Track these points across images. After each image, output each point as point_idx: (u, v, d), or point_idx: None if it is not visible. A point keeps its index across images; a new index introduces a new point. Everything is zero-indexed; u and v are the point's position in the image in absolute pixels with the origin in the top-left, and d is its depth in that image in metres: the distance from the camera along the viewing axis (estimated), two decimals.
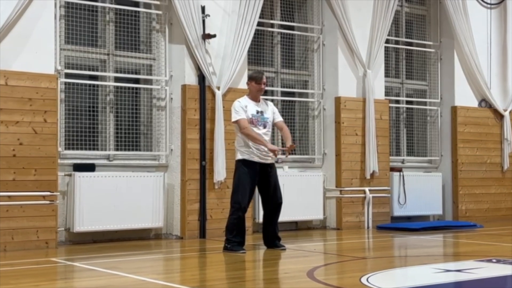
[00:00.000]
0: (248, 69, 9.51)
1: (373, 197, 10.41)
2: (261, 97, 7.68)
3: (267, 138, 7.51)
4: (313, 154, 10.43)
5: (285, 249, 7.56)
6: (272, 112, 7.63)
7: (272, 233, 7.63)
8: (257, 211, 9.34)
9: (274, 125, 7.67)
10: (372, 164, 10.31)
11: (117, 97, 8.82)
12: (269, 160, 7.49)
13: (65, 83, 8.40)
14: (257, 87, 7.52)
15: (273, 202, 7.56)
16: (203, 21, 8.94)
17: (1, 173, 7.55)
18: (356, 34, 10.32)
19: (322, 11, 10.46)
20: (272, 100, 9.91)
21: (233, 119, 7.44)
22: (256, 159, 7.40)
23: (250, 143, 7.37)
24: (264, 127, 7.50)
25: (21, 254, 7.26)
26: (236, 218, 7.34)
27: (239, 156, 7.46)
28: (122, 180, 8.45)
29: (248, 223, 9.24)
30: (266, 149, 7.39)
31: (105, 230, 8.39)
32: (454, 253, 8.10)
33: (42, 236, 7.74)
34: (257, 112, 7.48)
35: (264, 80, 7.56)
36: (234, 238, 7.34)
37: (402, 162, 11.43)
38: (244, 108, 7.41)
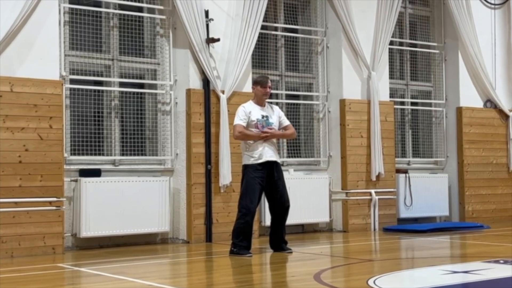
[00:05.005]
0: (253, 73, 9.53)
1: (379, 199, 10.39)
2: (266, 101, 7.68)
3: (273, 141, 7.52)
4: (319, 156, 10.42)
5: (291, 252, 7.56)
6: (277, 117, 7.63)
7: (279, 237, 7.62)
8: (263, 214, 9.33)
9: (283, 129, 7.65)
10: (378, 166, 10.30)
11: (122, 102, 8.84)
12: (274, 157, 7.47)
13: (70, 89, 8.42)
14: (262, 91, 7.53)
15: (280, 206, 7.55)
16: (207, 25, 8.96)
17: (8, 180, 7.56)
18: (360, 36, 10.32)
19: (326, 14, 10.46)
20: (277, 103, 9.92)
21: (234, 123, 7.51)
22: (262, 159, 7.39)
23: (251, 148, 7.37)
24: None
25: (28, 260, 7.27)
26: (243, 222, 7.33)
27: (245, 161, 7.46)
28: (128, 185, 8.46)
29: (255, 227, 9.23)
30: (264, 151, 7.39)
31: (111, 235, 8.40)
32: (461, 255, 8.08)
33: (48, 242, 7.75)
34: (262, 116, 7.49)
35: (269, 84, 7.56)
36: (241, 242, 7.33)
37: (408, 163, 11.41)
38: (247, 114, 7.42)
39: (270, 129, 7.45)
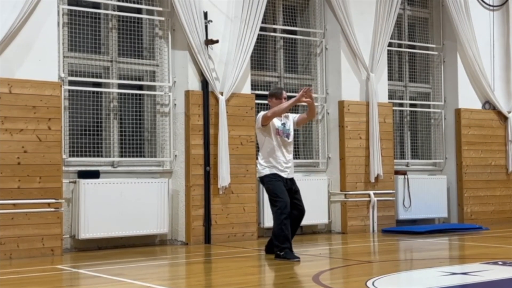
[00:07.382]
0: (251, 74, 9.53)
1: (378, 200, 10.39)
2: None
3: (291, 146, 7.49)
4: (317, 158, 10.43)
5: None
6: (292, 122, 7.59)
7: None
8: (261, 216, 9.34)
9: (298, 121, 7.59)
10: (377, 167, 10.30)
11: (121, 104, 8.84)
12: (290, 175, 7.43)
13: (69, 91, 8.42)
14: (278, 103, 7.47)
15: (298, 209, 7.47)
16: (206, 27, 8.96)
17: (6, 181, 7.56)
18: (358, 38, 10.32)
19: (325, 15, 10.47)
20: None
21: (260, 123, 7.35)
22: (280, 174, 7.36)
23: (271, 159, 7.32)
24: (288, 138, 7.48)
25: (26, 262, 7.27)
26: (281, 223, 7.16)
27: (264, 172, 7.34)
28: (127, 187, 8.46)
29: (253, 229, 9.24)
30: (284, 163, 7.35)
31: (110, 237, 8.39)
32: (459, 256, 8.08)
33: (47, 243, 7.75)
34: (282, 124, 7.47)
35: (285, 95, 7.53)
36: (285, 245, 7.17)
37: (407, 165, 11.41)
38: None
39: (288, 135, 7.45)
